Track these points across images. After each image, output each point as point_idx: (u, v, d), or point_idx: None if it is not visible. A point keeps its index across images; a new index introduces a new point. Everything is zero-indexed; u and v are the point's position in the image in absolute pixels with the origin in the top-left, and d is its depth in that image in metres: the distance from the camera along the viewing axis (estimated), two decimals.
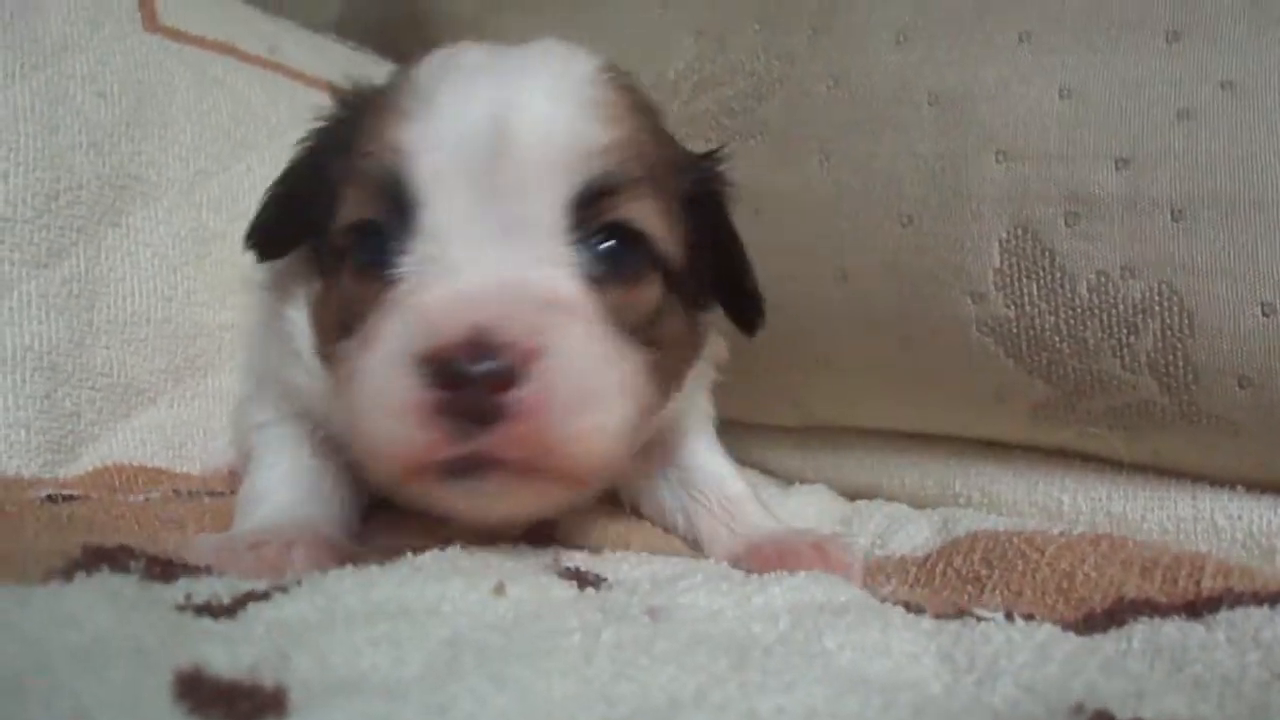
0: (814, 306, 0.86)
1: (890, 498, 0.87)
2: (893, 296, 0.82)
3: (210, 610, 0.48)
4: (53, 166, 0.89)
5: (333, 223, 0.61)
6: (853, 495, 0.90)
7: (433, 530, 0.62)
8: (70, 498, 0.75)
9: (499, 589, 0.52)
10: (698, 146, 0.88)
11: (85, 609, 0.42)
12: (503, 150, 0.55)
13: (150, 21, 1.01)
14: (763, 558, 0.65)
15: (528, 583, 0.54)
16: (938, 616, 0.54)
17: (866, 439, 0.90)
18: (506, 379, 0.49)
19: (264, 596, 0.50)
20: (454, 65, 0.62)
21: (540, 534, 0.68)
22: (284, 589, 0.51)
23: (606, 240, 0.57)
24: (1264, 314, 0.69)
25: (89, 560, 0.52)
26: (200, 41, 1.04)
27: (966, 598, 0.63)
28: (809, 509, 0.85)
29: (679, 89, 0.94)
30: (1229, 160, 0.70)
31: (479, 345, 0.49)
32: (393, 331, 0.52)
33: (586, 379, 0.52)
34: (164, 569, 0.53)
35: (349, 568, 0.54)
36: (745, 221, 0.87)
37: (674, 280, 0.61)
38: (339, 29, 1.45)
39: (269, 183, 0.73)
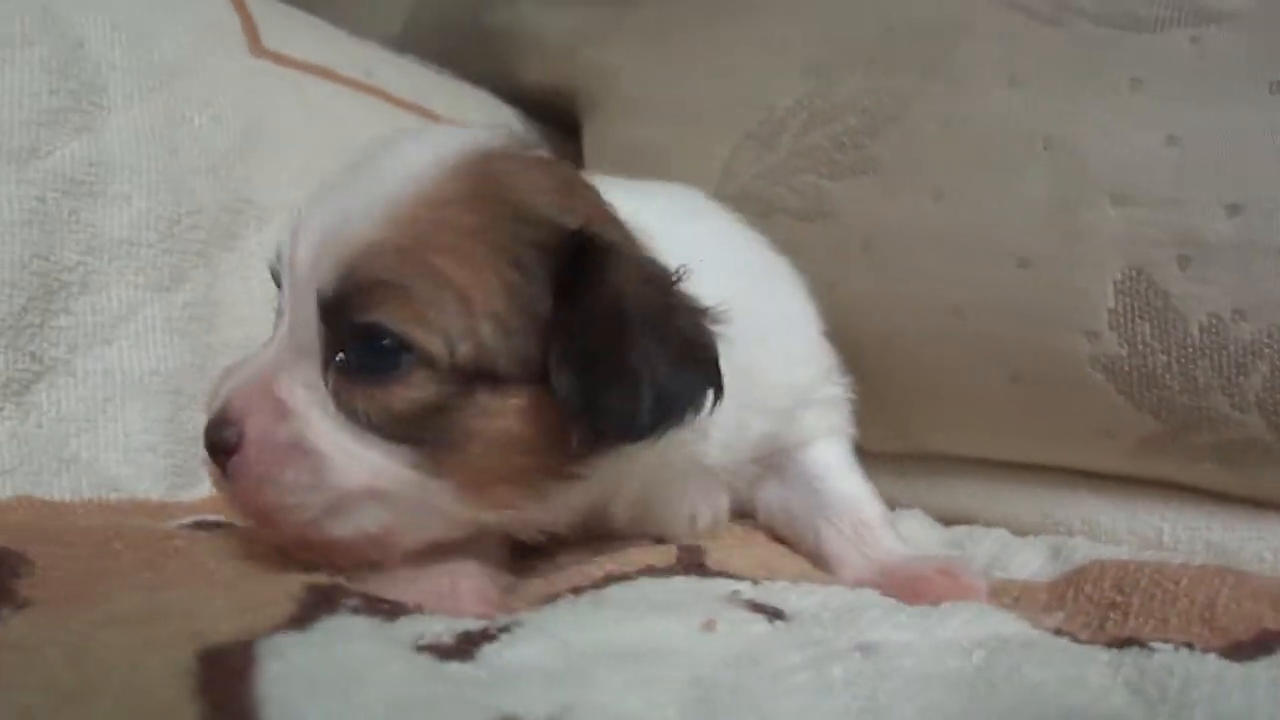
0: (924, 340, 0.89)
1: (987, 524, 0.90)
2: (1006, 333, 0.85)
3: (443, 652, 0.51)
4: (174, 191, 0.91)
5: None
6: (948, 521, 0.93)
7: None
8: (216, 524, 0.77)
9: (709, 625, 0.55)
10: (810, 180, 0.92)
11: (363, 660, 0.45)
12: (290, 259, 0.63)
13: (255, 46, 1.03)
14: (896, 583, 0.68)
15: (726, 618, 0.57)
16: (1108, 645, 0.57)
17: (964, 466, 0.94)
18: (229, 449, 0.61)
19: (490, 637, 0.52)
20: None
21: (691, 561, 0.71)
22: (506, 629, 0.53)
23: (362, 340, 0.60)
24: None
25: (316, 601, 0.54)
26: (302, 65, 1.07)
27: (1111, 624, 0.65)
28: (914, 533, 0.88)
29: (788, 124, 0.97)
30: None
31: (219, 420, 0.62)
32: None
33: (266, 462, 0.60)
34: (387, 608, 0.55)
35: (562, 606, 0.56)
36: (855, 256, 0.91)
37: (484, 375, 0.60)
38: (401, 43, 1.47)
39: None
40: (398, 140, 0.67)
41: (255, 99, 1.01)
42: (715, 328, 0.63)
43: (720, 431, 0.71)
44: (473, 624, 0.54)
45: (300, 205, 0.66)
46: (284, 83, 1.04)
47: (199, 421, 0.87)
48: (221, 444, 0.61)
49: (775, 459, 0.79)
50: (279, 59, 1.05)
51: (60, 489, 0.81)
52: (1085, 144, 0.84)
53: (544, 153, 0.70)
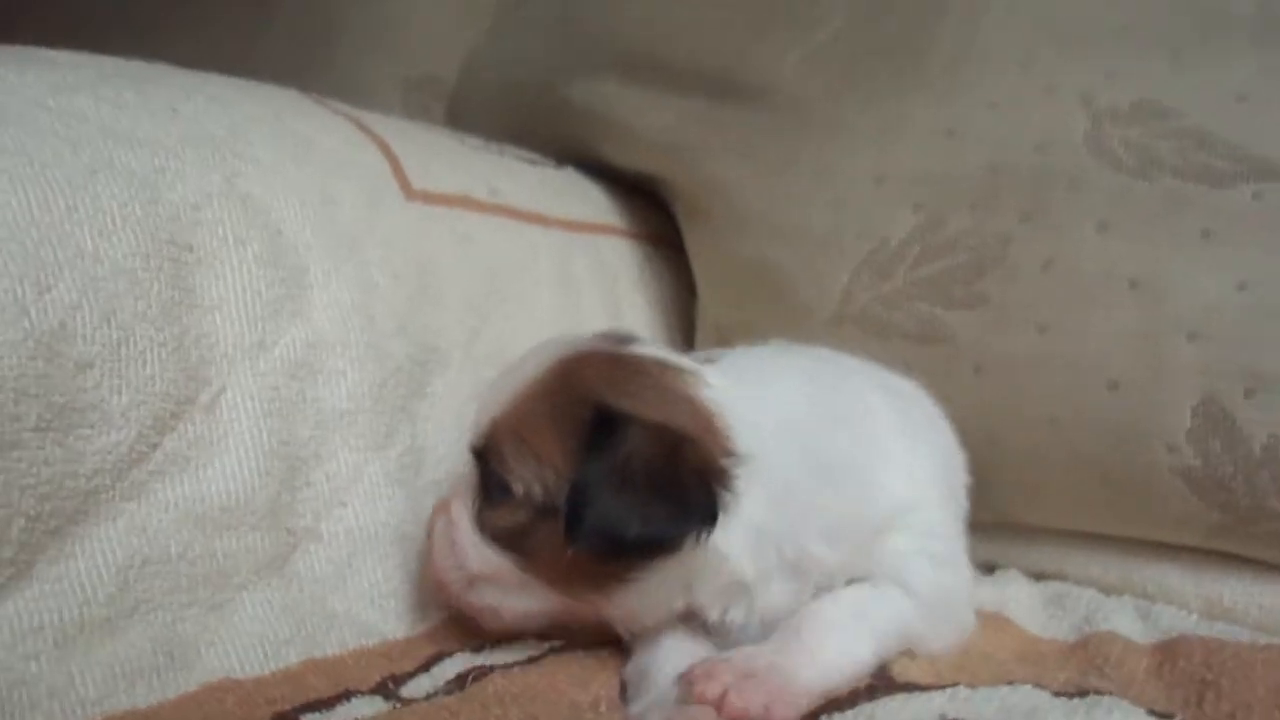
0: (1024, 446, 1.07)
1: (1076, 583, 1.10)
2: (1097, 443, 1.04)
3: None
4: (377, 357, 1.01)
5: None
6: (1037, 578, 1.13)
7: None
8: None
9: None
10: (925, 308, 1.08)
11: None
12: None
13: (407, 189, 1.12)
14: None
15: None
16: None
17: (1053, 533, 1.13)
18: None
19: None
20: None
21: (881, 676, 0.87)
22: None
23: (489, 478, 0.88)
24: None
25: None
26: (448, 200, 1.15)
27: (1209, 704, 0.81)
28: (1020, 593, 1.07)
29: (904, 256, 1.12)
30: None
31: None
32: None
33: (436, 550, 0.93)
34: None
35: None
36: (966, 376, 1.08)
37: (550, 509, 0.84)
38: (450, 115, 1.55)
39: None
40: (535, 348, 0.93)
41: (419, 245, 1.09)
42: (722, 478, 0.82)
43: (753, 553, 0.85)
44: None
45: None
46: (438, 223, 1.13)
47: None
48: None
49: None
50: (428, 198, 1.13)
51: (331, 645, 0.93)
52: (1165, 286, 1.01)
53: (634, 347, 0.92)
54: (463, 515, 0.90)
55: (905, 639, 0.89)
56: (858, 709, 0.80)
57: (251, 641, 0.89)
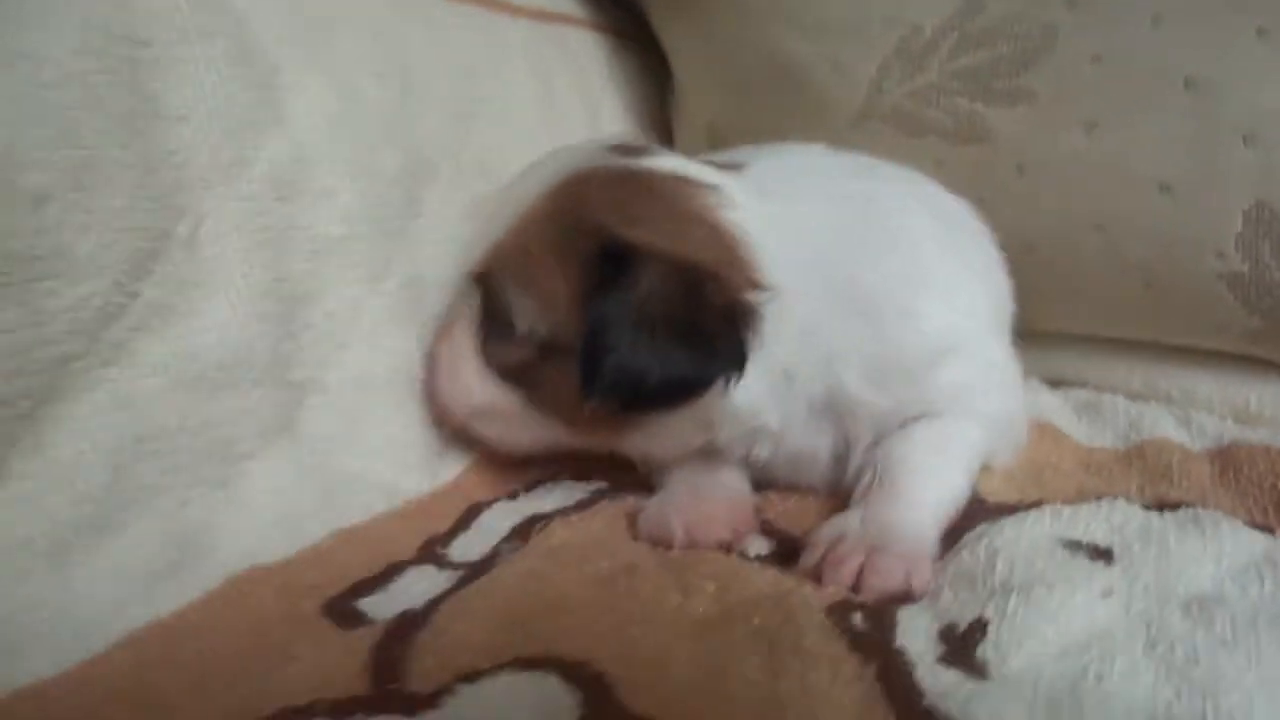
0: (1066, 251, 1.02)
1: (1097, 390, 1.08)
2: (1144, 249, 0.99)
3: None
4: (368, 174, 0.86)
5: None
6: (1057, 385, 1.10)
7: None
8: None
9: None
10: (964, 104, 0.99)
11: None
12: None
13: None
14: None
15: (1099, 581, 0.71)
16: None
17: (1074, 340, 1.10)
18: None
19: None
20: None
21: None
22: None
23: (492, 308, 0.82)
24: None
25: None
26: None
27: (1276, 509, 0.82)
28: (1051, 401, 1.05)
29: (938, 46, 1.01)
30: None
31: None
32: None
33: (439, 374, 0.86)
34: None
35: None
36: (1008, 177, 1.01)
37: (555, 346, 0.78)
38: None
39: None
40: (538, 161, 0.85)
41: (395, 40, 0.92)
42: (748, 318, 0.75)
43: (779, 397, 0.80)
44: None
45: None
46: (409, 13, 0.95)
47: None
48: None
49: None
50: None
51: (355, 512, 0.81)
52: (1221, 86, 0.96)
53: (648, 160, 0.82)
54: (466, 344, 0.84)
55: (982, 460, 0.86)
56: (976, 535, 0.76)
57: (269, 520, 0.76)
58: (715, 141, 1.12)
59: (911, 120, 1.03)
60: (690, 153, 0.96)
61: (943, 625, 0.66)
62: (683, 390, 0.74)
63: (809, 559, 0.73)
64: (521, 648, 0.60)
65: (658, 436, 0.81)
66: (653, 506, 0.81)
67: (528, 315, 0.79)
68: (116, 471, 0.68)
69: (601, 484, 0.90)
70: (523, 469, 0.92)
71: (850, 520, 0.76)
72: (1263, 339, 1.00)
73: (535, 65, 1.14)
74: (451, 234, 0.93)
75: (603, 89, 1.26)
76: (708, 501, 0.80)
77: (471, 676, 0.58)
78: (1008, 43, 1.00)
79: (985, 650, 0.63)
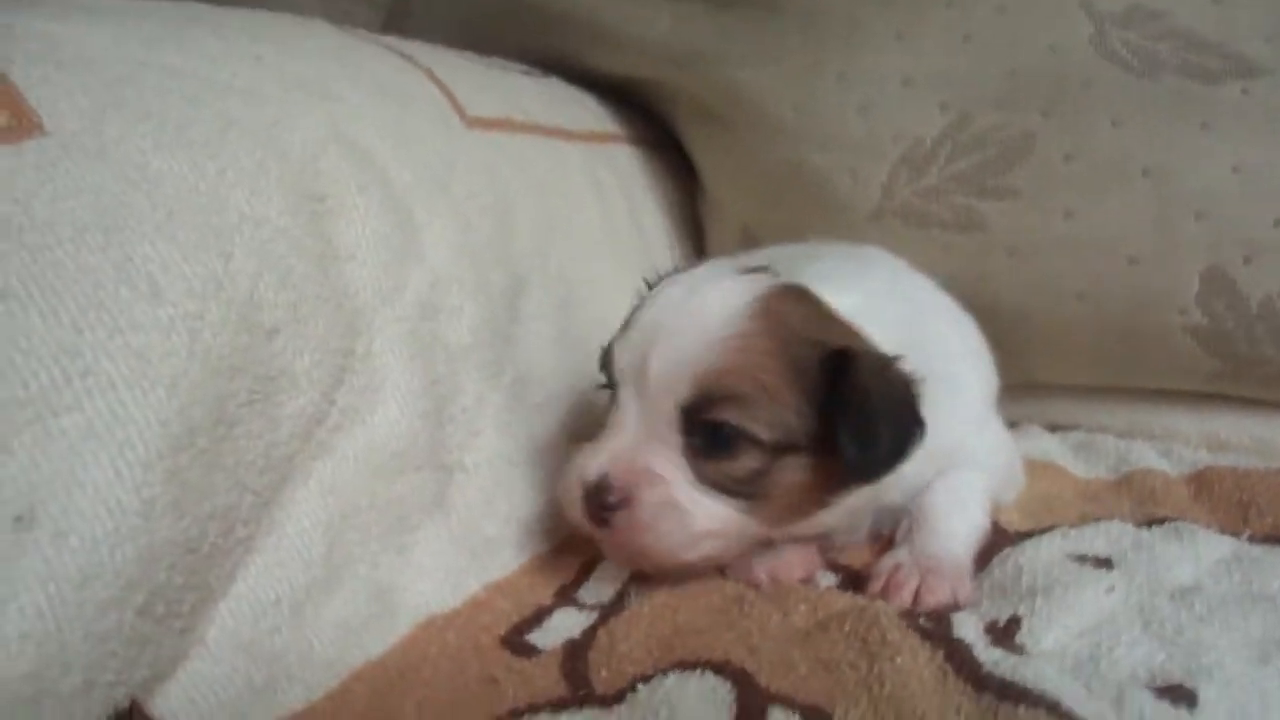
0: (1054, 316, 1.22)
1: (1089, 431, 1.28)
2: (1118, 310, 1.19)
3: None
4: (485, 290, 1.04)
5: None
6: (1054, 429, 1.29)
7: None
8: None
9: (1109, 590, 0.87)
10: (961, 200, 1.19)
11: None
12: (646, 370, 0.88)
13: (465, 118, 1.12)
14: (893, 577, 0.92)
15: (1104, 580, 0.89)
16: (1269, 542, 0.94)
17: (1067, 389, 1.29)
18: (613, 507, 0.87)
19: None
20: (654, 293, 0.94)
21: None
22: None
23: (709, 430, 0.87)
24: None
25: None
26: (494, 124, 1.16)
27: (1255, 520, 0.99)
28: (1049, 444, 1.23)
29: (937, 154, 1.23)
30: None
31: (601, 486, 0.87)
32: (573, 464, 0.91)
33: (650, 519, 0.87)
34: None
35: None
36: (1000, 259, 1.21)
37: (783, 449, 0.87)
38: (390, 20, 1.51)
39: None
40: (698, 289, 0.91)
41: (489, 175, 1.10)
42: (920, 393, 0.91)
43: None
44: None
45: (624, 327, 0.93)
46: (494, 149, 1.13)
47: (550, 477, 1.07)
48: (606, 504, 0.87)
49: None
50: (484, 124, 1.14)
51: (494, 567, 0.98)
52: (1172, 172, 1.16)
53: (797, 285, 0.93)
54: (677, 475, 0.88)
55: (993, 499, 1.03)
56: (1003, 558, 0.94)
57: (437, 578, 0.93)
58: (748, 240, 1.32)
59: (918, 215, 1.24)
60: (723, 251, 1.16)
61: (987, 623, 0.84)
62: (902, 459, 0.87)
63: (875, 585, 0.91)
64: (677, 656, 0.78)
65: (840, 511, 0.94)
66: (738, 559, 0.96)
67: (769, 424, 0.86)
68: (330, 544, 0.85)
69: None
70: None
71: (901, 554, 0.95)
72: (1224, 378, 1.20)
73: (591, 182, 1.33)
74: (543, 334, 1.12)
75: (644, 196, 1.46)
76: (782, 549, 0.96)
77: (645, 679, 0.75)
78: (994, 148, 1.22)
79: (1022, 638, 0.81)
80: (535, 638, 0.87)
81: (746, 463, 0.87)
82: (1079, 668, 0.75)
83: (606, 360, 0.94)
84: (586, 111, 1.44)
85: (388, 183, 0.97)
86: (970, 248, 1.21)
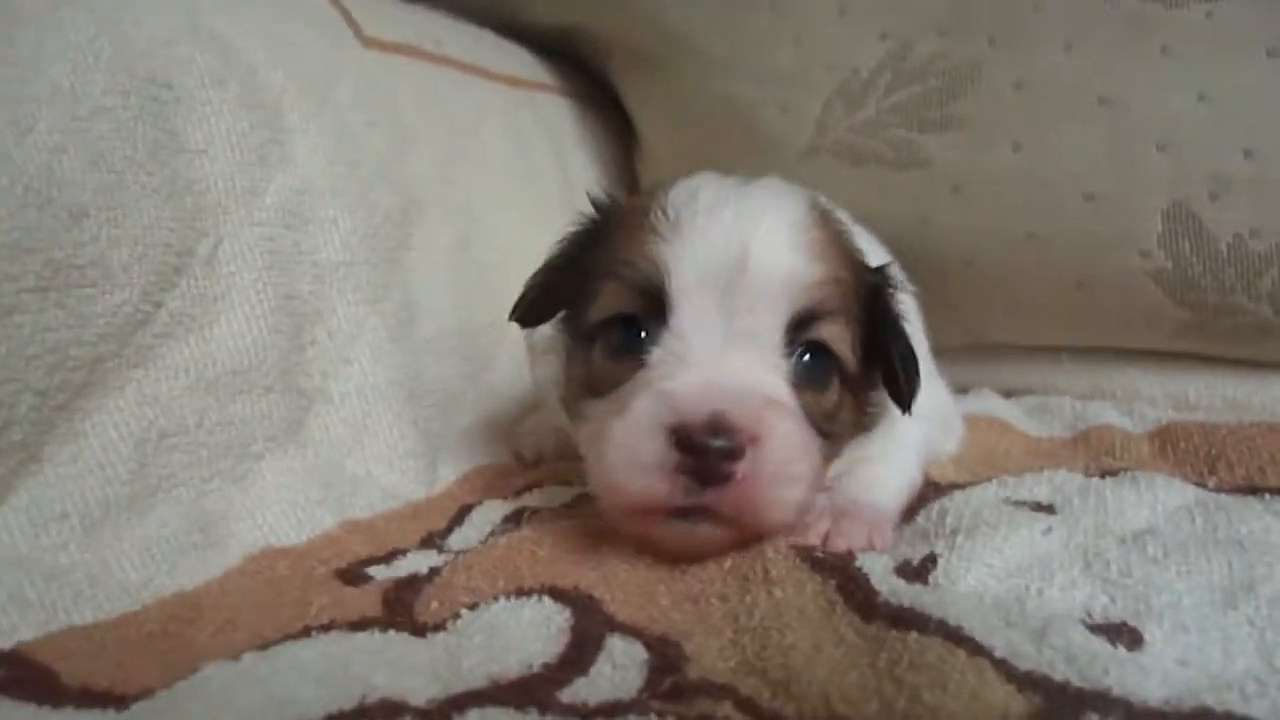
0: (1003, 261, 1.11)
1: (1045, 395, 1.16)
2: (1074, 253, 1.08)
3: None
4: (365, 205, 0.95)
5: (589, 309, 0.77)
6: (1008, 395, 1.18)
7: None
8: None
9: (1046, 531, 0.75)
10: (901, 134, 1.09)
11: None
12: (741, 280, 0.71)
13: (361, 37, 1.04)
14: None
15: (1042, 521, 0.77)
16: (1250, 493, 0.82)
17: (1021, 351, 1.18)
18: (733, 454, 0.65)
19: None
20: (699, 198, 0.76)
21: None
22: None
23: (805, 354, 0.73)
24: None
25: None
26: (401, 49, 1.08)
27: (1224, 472, 0.88)
28: (1000, 406, 1.12)
29: (875, 85, 1.12)
30: None
31: (717, 426, 0.65)
32: (646, 406, 0.67)
33: (787, 462, 0.68)
34: None
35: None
36: (945, 198, 1.10)
37: (849, 381, 0.77)
38: None
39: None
40: (757, 194, 0.78)
41: (385, 94, 1.02)
42: None
43: None
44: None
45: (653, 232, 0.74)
46: (396, 72, 1.06)
47: (428, 418, 0.98)
48: (721, 452, 0.65)
49: None
50: (382, 46, 1.05)
51: (358, 507, 0.88)
52: (1131, 101, 1.06)
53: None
54: (797, 419, 0.71)
55: (929, 452, 0.92)
56: (929, 507, 0.83)
57: (282, 510, 0.83)
58: None
59: (854, 152, 1.13)
60: None
61: (898, 563, 0.72)
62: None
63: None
64: (518, 584, 0.67)
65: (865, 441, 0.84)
66: None
67: (849, 350, 0.75)
68: (142, 462, 0.75)
69: (583, 487, 0.94)
70: (510, 478, 0.99)
71: (819, 499, 0.80)
72: (1192, 331, 1.09)
73: (510, 124, 1.25)
74: (439, 265, 1.02)
75: (574, 147, 1.38)
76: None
77: (472, 606, 0.64)
78: (936, 77, 1.11)
79: (937, 577, 0.70)
80: (377, 571, 0.76)
81: (832, 395, 0.75)
82: (1001, 606, 0.63)
83: (642, 283, 0.73)
84: (514, 59, 1.36)
85: (254, 81, 0.89)
86: (911, 186, 1.10)
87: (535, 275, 0.85)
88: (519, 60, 1.36)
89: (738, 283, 0.71)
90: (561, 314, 0.86)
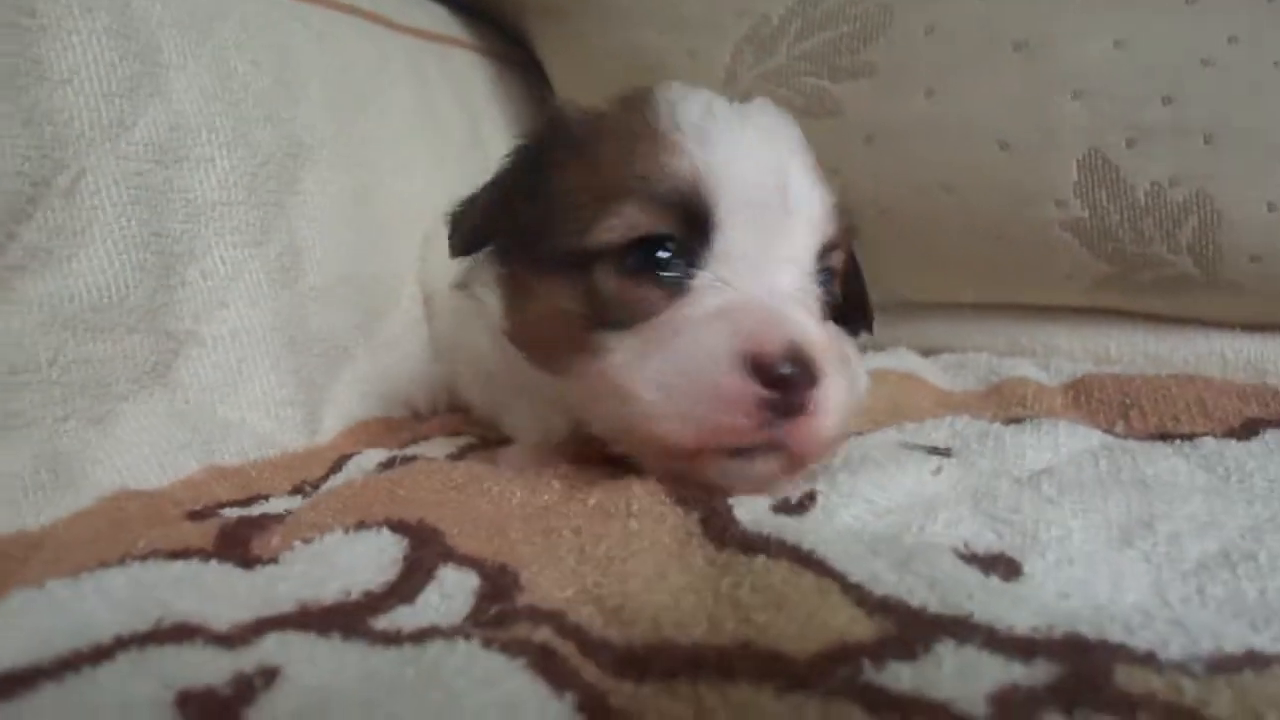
0: (919, 213, 1.08)
1: (963, 353, 1.13)
2: (989, 203, 1.05)
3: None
4: (246, 145, 0.91)
5: (589, 231, 0.69)
6: (927, 353, 1.15)
7: None
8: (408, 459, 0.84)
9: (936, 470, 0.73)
10: (812, 82, 1.06)
11: None
12: (784, 203, 0.68)
13: None
14: None
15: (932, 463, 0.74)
16: (1158, 439, 0.79)
17: (937, 309, 1.15)
18: (810, 383, 0.63)
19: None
20: (715, 112, 0.72)
21: None
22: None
23: (823, 281, 0.71)
24: (1269, 210, 0.99)
25: None
26: None
27: (1136, 420, 0.86)
28: (917, 363, 1.09)
29: (785, 31, 1.09)
30: (1243, 98, 0.98)
31: (794, 355, 0.62)
32: (717, 335, 0.63)
33: (841, 391, 0.65)
34: None
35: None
36: (858, 148, 1.07)
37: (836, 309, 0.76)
38: None
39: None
40: (759, 111, 0.76)
41: (274, 35, 0.99)
42: None
43: None
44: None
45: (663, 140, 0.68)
46: (290, 14, 1.02)
47: (311, 366, 0.94)
48: (800, 384, 0.62)
49: None
50: None
51: (228, 453, 0.85)
52: (1047, 47, 1.03)
53: None
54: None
55: None
56: None
57: (142, 454, 0.80)
58: None
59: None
60: None
61: (776, 502, 0.68)
62: None
63: None
64: (359, 518, 0.63)
65: None
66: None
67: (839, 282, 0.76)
68: None
69: (472, 439, 0.92)
70: (399, 432, 0.95)
71: None
72: (1112, 284, 1.06)
73: (415, 75, 1.21)
74: (330, 211, 0.99)
75: (487, 105, 1.34)
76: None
77: (308, 539, 0.61)
78: (847, 23, 1.08)
79: (815, 514, 0.66)
80: (231, 513, 0.73)
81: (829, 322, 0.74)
82: (877, 544, 0.59)
83: (678, 201, 0.67)
84: (424, 12, 1.32)
85: (127, 11, 0.85)
86: (824, 134, 1.05)
87: (474, 198, 0.78)
88: (429, 14, 1.32)
89: (779, 205, 0.68)
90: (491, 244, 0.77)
